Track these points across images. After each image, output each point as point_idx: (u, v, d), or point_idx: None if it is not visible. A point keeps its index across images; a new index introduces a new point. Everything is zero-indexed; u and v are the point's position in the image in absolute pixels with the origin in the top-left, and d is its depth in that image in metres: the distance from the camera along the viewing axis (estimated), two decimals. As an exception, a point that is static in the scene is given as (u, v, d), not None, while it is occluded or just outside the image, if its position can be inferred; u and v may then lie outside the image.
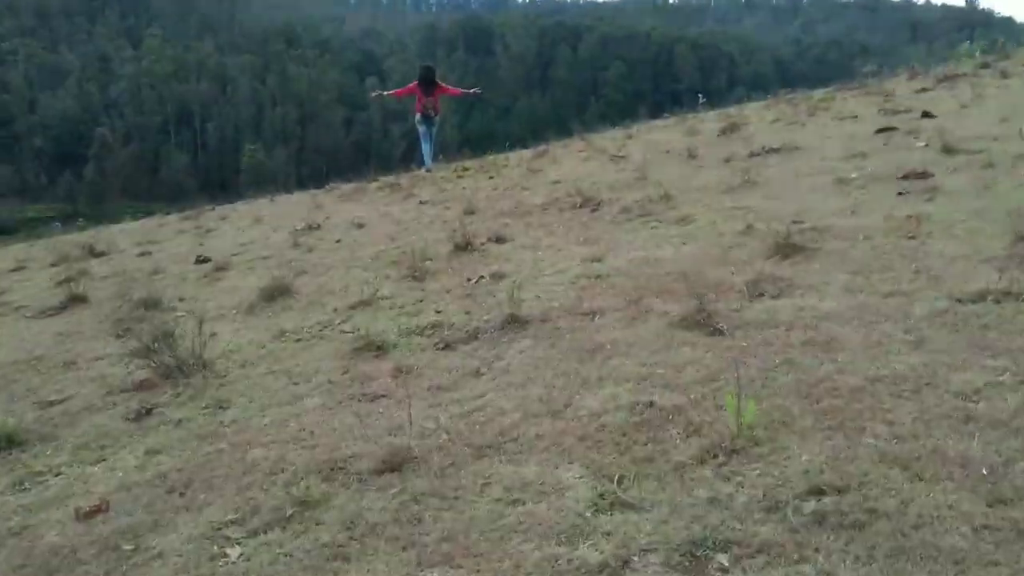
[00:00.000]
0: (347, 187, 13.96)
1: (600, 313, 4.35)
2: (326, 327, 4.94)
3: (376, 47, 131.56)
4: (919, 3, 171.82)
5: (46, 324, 6.16)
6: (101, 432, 3.77)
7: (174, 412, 3.86)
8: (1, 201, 77.97)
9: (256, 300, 5.67)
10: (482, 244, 6.47)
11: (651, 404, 3.07)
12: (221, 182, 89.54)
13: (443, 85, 13.65)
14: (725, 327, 3.79)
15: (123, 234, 11.87)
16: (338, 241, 7.90)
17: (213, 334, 5.07)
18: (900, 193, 5.93)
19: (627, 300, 4.48)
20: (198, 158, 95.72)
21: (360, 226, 8.53)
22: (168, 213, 15.01)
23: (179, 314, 5.78)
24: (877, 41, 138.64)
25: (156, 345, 4.38)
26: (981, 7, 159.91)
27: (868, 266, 4.39)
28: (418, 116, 13.04)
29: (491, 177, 10.97)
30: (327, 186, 14.45)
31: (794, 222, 5.48)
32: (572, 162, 10.91)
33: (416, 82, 13.04)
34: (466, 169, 12.46)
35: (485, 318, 4.54)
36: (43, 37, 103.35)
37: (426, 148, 13.32)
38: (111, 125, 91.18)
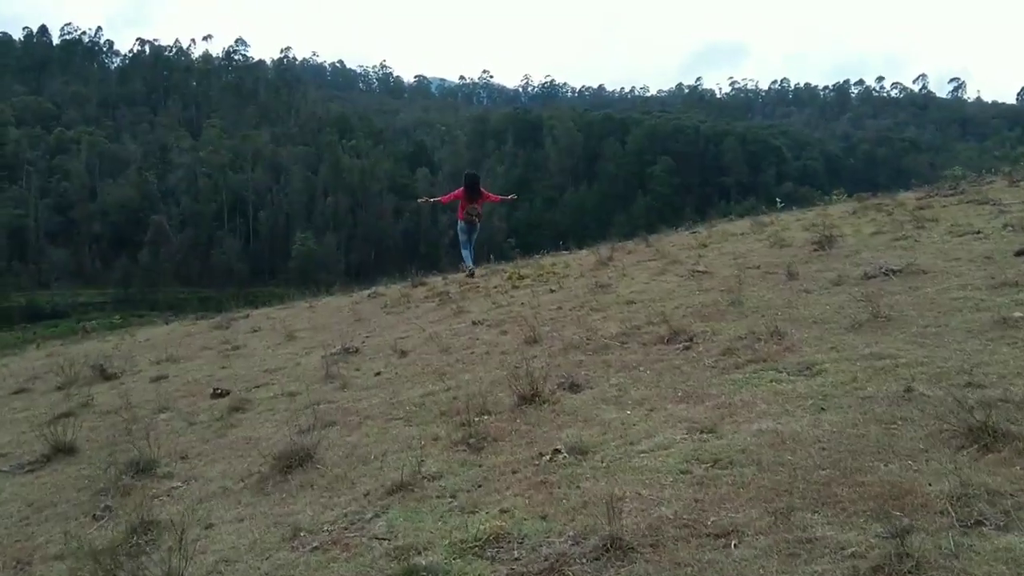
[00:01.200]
0: (391, 291, 13.00)
1: (736, 535, 3.05)
2: (353, 524, 3.68)
3: (428, 138, 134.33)
4: (970, 100, 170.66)
5: (20, 487, 5.02)
6: None
7: None
8: (56, 285, 79.70)
9: (270, 471, 4.44)
10: (552, 393, 5.20)
11: None
12: (271, 268, 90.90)
13: (486, 192, 13.72)
14: (948, 589, 2.48)
15: (146, 346, 10.87)
16: (377, 374, 6.69)
17: (209, 526, 3.87)
18: (1097, 345, 4.58)
19: (770, 511, 3.18)
20: (250, 244, 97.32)
21: (403, 353, 7.33)
22: (201, 318, 14.10)
23: (174, 484, 4.60)
24: (927, 137, 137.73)
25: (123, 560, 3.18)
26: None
27: (1120, 475, 3.05)
28: (461, 223, 12.91)
29: (552, 290, 9.72)
30: (370, 290, 13.54)
31: (968, 384, 4.17)
32: (643, 275, 9.64)
33: (462, 188, 12.96)
34: (521, 278, 11.29)
35: (570, 533, 3.26)
36: (106, 126, 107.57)
37: (467, 253, 13.10)
38: (167, 212, 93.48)
